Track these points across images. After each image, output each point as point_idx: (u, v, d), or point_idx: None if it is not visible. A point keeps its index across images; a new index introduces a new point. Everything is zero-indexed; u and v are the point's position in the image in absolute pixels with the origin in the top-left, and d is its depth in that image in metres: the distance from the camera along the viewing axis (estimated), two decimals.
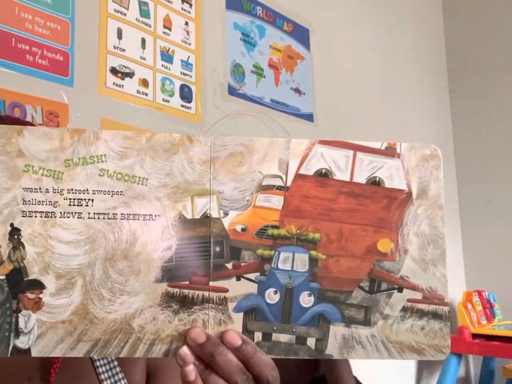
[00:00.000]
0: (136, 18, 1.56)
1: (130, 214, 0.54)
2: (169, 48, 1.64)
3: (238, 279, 0.55)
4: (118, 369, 0.80)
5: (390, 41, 2.66)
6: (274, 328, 0.55)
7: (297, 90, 2.08)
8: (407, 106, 2.72)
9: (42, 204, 0.53)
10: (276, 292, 0.55)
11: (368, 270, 0.56)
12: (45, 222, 0.53)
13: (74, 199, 0.53)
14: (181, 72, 1.67)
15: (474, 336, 2.22)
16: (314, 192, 0.56)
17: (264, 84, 1.95)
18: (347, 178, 0.56)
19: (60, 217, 0.53)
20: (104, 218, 0.54)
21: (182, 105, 1.65)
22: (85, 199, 0.54)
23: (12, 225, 0.52)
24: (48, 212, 0.53)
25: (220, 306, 0.54)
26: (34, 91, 1.28)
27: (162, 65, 1.61)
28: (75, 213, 0.53)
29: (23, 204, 0.53)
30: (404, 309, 0.56)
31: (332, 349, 0.55)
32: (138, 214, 0.54)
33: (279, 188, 0.56)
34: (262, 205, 0.55)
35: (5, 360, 0.72)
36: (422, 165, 0.57)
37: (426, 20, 3.02)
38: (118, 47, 1.49)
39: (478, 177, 2.88)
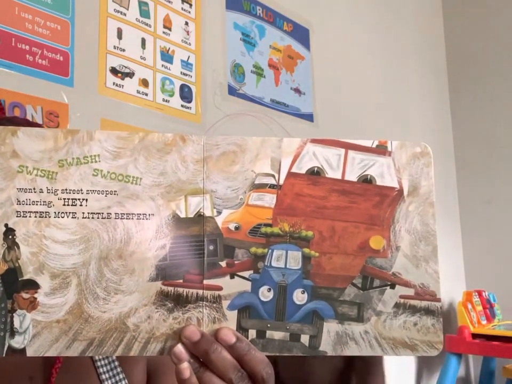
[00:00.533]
0: (136, 18, 1.56)
1: (124, 214, 0.54)
2: (169, 48, 1.64)
3: (232, 277, 0.55)
4: (119, 369, 0.80)
5: (390, 41, 2.66)
6: (268, 325, 0.55)
7: (297, 90, 2.07)
8: (407, 106, 2.72)
9: (37, 204, 0.53)
10: (269, 290, 0.55)
11: (360, 267, 0.56)
12: (39, 222, 0.53)
13: (68, 199, 0.54)
14: (181, 72, 1.67)
15: (474, 336, 2.21)
16: (306, 190, 0.56)
17: (264, 84, 1.95)
18: (339, 176, 0.57)
19: (54, 217, 0.53)
20: (98, 218, 0.54)
21: (182, 105, 1.66)
22: (79, 199, 0.54)
23: (6, 225, 0.53)
24: (43, 212, 0.53)
25: (214, 304, 0.55)
26: (34, 91, 1.28)
27: (162, 65, 1.61)
28: (69, 212, 0.54)
29: (17, 204, 0.53)
30: (397, 305, 0.56)
31: (326, 346, 0.55)
32: (132, 214, 0.54)
33: (272, 186, 0.56)
34: (255, 203, 0.56)
35: (6, 360, 0.73)
36: (413, 163, 0.58)
37: (427, 20, 3.02)
38: (118, 47, 1.49)
39: (478, 177, 2.87)
